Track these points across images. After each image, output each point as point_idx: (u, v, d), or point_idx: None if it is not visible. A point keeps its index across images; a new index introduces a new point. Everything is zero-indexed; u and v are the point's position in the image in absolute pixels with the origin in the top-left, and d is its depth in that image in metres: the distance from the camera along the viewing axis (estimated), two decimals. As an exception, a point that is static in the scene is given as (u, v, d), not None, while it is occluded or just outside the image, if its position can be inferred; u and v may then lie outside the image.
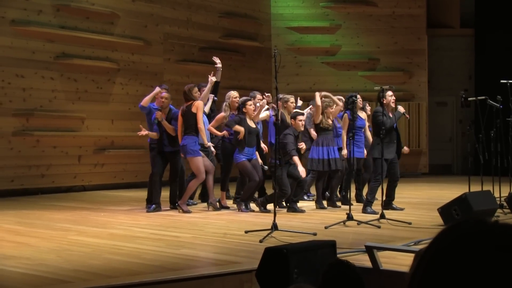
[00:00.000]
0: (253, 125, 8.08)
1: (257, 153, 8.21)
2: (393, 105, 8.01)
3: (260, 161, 8.23)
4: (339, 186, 8.93)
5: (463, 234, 0.94)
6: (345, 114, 8.71)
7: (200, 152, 8.01)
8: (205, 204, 8.60)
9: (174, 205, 8.33)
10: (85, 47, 11.15)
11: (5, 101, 10.16)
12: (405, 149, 8.85)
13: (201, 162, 7.96)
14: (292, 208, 8.11)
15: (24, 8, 10.43)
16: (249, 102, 8.12)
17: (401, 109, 8.07)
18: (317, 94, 8.39)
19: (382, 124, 7.64)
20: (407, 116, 8.40)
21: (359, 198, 8.92)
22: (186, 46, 12.79)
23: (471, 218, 0.98)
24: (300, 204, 8.45)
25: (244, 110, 8.06)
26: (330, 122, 8.42)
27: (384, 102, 7.89)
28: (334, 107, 8.53)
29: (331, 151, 8.34)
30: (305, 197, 9.33)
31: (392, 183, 8.13)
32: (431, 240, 0.98)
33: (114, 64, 11.53)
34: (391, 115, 7.95)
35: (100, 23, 11.40)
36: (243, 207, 8.08)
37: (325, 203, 8.58)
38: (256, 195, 8.65)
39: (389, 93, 7.98)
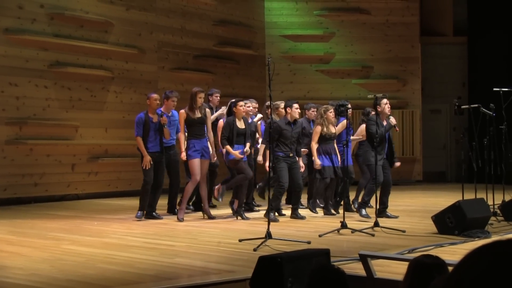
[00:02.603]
0: (242, 126, 8.12)
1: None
2: (388, 112, 8.05)
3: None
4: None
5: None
6: (344, 120, 8.67)
7: (195, 154, 8.02)
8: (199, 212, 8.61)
9: (147, 215, 8.30)
10: (79, 56, 11.14)
11: (-1, 109, 10.14)
12: (397, 164, 8.76)
13: (195, 165, 8.01)
14: (294, 215, 8.18)
15: (18, 17, 10.42)
16: (241, 103, 8.15)
17: (392, 120, 8.08)
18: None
19: (374, 134, 7.74)
20: (397, 129, 8.38)
21: (347, 207, 8.73)
22: (180, 54, 12.80)
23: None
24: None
25: (234, 109, 8.09)
26: (333, 130, 8.44)
27: (379, 109, 7.95)
28: (332, 111, 8.51)
29: (334, 159, 8.38)
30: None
31: (385, 189, 8.15)
32: (467, 258, 0.96)
33: (108, 72, 11.52)
34: (384, 123, 7.99)
35: (94, 31, 11.40)
36: (243, 215, 8.09)
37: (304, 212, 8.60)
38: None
39: (384, 100, 8.02)
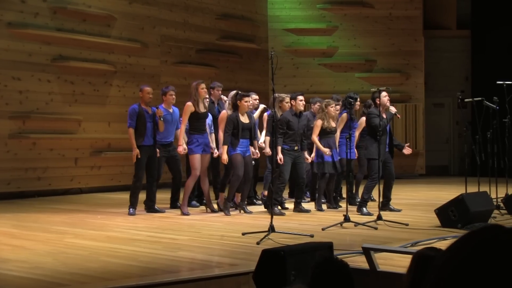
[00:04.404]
0: (247, 120, 8.08)
1: (251, 148, 8.21)
2: (388, 104, 8.03)
3: (252, 151, 8.22)
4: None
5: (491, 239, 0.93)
6: (344, 113, 8.73)
7: (197, 149, 8.01)
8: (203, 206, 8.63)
9: (149, 209, 8.30)
10: (82, 50, 11.13)
11: (2, 103, 10.14)
12: (407, 149, 8.62)
13: (195, 160, 8.00)
14: (298, 209, 8.20)
15: (20, 11, 10.41)
16: (246, 99, 8.09)
17: (392, 109, 8.07)
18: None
19: (377, 127, 7.70)
20: (398, 116, 8.34)
21: (351, 201, 8.68)
22: (183, 48, 12.79)
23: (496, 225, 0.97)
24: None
25: (238, 103, 8.03)
26: (334, 124, 8.44)
27: (379, 102, 7.95)
28: (334, 106, 8.49)
29: (334, 153, 8.36)
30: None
31: (388, 183, 8.14)
32: (456, 244, 0.96)
33: (111, 67, 11.52)
34: (384, 116, 7.96)
35: (97, 25, 11.39)
36: (227, 211, 8.02)
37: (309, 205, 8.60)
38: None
39: (383, 93, 8.00)
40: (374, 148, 7.77)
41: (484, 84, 12.51)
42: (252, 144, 8.17)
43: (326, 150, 8.22)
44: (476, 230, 0.96)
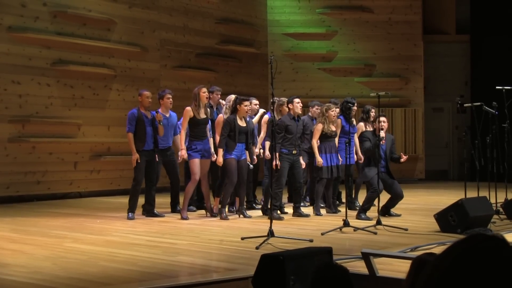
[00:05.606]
0: (244, 124, 8.07)
1: (247, 152, 8.19)
2: (382, 128, 8.00)
3: (248, 159, 8.21)
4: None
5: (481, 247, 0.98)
6: (338, 120, 8.75)
7: (196, 154, 8.00)
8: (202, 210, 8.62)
9: (148, 214, 8.29)
10: (82, 54, 11.14)
11: (1, 107, 10.14)
12: (403, 158, 8.55)
13: (195, 165, 7.99)
14: (297, 213, 8.19)
15: (21, 15, 10.42)
16: (246, 103, 8.08)
17: (380, 134, 8.01)
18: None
19: (367, 150, 7.87)
20: (382, 142, 8.18)
21: (350, 205, 8.66)
22: (182, 52, 12.80)
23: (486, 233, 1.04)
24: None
25: (238, 107, 8.02)
26: (333, 128, 8.44)
27: (375, 126, 8.00)
28: (334, 110, 8.48)
29: (334, 158, 8.37)
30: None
31: (393, 200, 8.12)
32: (447, 251, 1.02)
33: (111, 71, 11.52)
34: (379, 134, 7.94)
35: (97, 29, 11.40)
36: (224, 214, 8.02)
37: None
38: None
39: (383, 119, 7.98)
40: (366, 170, 7.93)
41: (484, 89, 12.53)
42: (247, 149, 8.15)
43: (320, 161, 8.24)
44: (462, 239, 1.03)
